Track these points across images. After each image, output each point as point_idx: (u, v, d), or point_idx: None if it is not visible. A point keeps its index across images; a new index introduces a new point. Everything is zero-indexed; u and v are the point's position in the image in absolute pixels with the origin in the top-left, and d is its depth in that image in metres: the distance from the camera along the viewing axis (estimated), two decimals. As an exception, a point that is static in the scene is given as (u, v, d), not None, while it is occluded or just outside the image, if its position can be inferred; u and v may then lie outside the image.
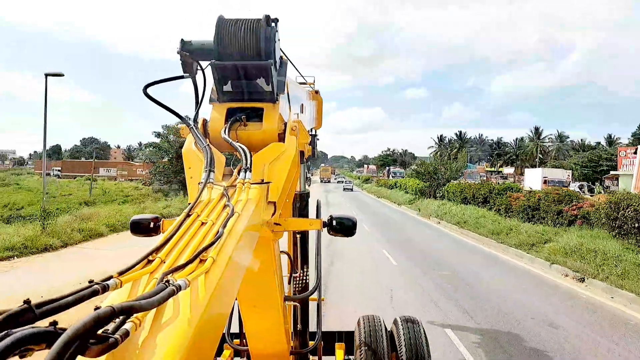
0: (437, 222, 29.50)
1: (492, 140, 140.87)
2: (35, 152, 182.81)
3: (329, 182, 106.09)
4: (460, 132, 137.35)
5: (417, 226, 28.26)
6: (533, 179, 52.35)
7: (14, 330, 0.87)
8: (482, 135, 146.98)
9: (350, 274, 13.94)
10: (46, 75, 24.05)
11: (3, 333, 0.86)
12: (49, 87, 24.49)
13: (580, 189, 46.55)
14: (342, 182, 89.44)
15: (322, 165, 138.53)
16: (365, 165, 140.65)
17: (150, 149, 48.90)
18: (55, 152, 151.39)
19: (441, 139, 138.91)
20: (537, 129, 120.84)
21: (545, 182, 47.63)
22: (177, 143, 49.27)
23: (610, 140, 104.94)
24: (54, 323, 0.94)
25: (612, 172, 62.33)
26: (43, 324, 0.94)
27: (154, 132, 47.58)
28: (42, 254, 15.84)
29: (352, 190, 73.87)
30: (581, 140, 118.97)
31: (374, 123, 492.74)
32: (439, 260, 16.92)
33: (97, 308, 1.01)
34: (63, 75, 24.40)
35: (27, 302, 0.94)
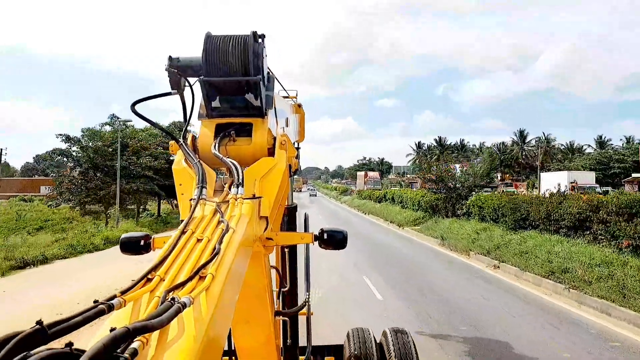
0: (491, 267, 16.31)
1: (474, 145, 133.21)
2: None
3: (300, 191, 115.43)
4: (440, 137, 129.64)
5: (472, 286, 13.58)
6: (554, 184, 42.86)
7: (31, 352, 0.89)
8: (463, 140, 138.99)
9: None
10: None
11: (22, 355, 0.88)
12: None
13: (605, 194, 37.21)
14: (313, 191, 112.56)
15: (296, 177, 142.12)
16: (361, 174, 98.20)
17: (58, 157, 36.07)
18: (3, 172, 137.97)
19: (419, 145, 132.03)
20: (522, 132, 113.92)
21: (573, 187, 39.14)
22: (99, 149, 37.09)
23: (601, 142, 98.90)
24: (70, 344, 0.95)
25: (633, 175, 55.90)
26: (53, 344, 0.95)
27: (60, 134, 34.99)
28: None
29: (315, 195, 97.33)
30: (569, 142, 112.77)
31: (347, 133, 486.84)
32: None
33: (113, 329, 1.02)
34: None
35: (39, 322, 0.95)
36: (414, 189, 48.57)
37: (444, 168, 28.45)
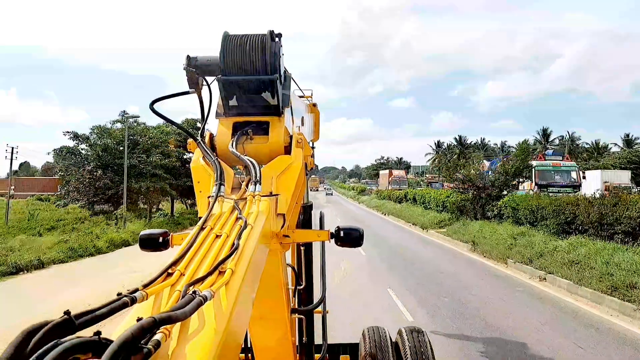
0: (536, 279, 14.06)
1: (495, 144, 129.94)
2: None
3: (317, 190, 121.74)
4: (460, 136, 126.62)
5: (521, 305, 11.45)
6: (585, 183, 40.43)
7: (62, 340, 0.91)
8: (484, 139, 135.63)
9: None
10: None
11: (53, 342, 0.90)
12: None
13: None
14: (329, 191, 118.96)
15: (313, 176, 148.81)
16: (384, 172, 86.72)
17: (67, 156, 34.77)
18: (23, 171, 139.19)
19: (439, 144, 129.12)
20: (545, 130, 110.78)
21: (607, 187, 36.49)
22: (108, 147, 35.73)
23: (629, 140, 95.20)
24: (98, 333, 0.97)
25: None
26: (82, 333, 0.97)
27: (67, 132, 33.74)
28: None
29: (332, 194, 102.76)
30: (594, 141, 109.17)
31: (364, 133, 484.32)
32: None
33: (139, 319, 1.05)
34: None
35: (67, 313, 0.98)
36: (434, 189, 46.26)
37: (473, 166, 26.26)
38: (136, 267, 16.92)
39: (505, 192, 25.64)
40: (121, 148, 35.72)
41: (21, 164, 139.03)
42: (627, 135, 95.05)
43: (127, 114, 37.37)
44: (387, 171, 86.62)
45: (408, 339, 3.97)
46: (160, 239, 2.56)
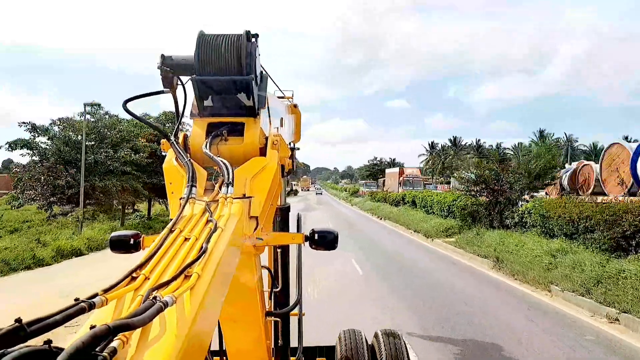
0: (604, 319, 10.07)
1: (491, 146, 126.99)
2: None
3: (308, 190, 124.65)
4: (455, 137, 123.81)
5: None
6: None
7: (9, 350, 0.88)
8: (479, 140, 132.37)
9: None
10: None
11: (0, 352, 0.87)
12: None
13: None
14: (319, 190, 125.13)
15: (304, 177, 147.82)
16: (393, 171, 70.13)
17: (23, 149, 30.50)
18: (5, 168, 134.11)
19: (433, 145, 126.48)
20: (541, 132, 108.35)
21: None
22: (70, 140, 31.63)
23: (628, 142, 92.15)
24: (49, 341, 0.94)
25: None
26: (33, 342, 0.93)
27: (23, 122, 29.54)
28: None
29: (321, 194, 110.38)
30: (592, 144, 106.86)
31: (357, 134, 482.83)
32: None
33: (93, 326, 1.02)
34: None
35: (18, 320, 0.94)
36: (433, 190, 42.47)
37: (488, 165, 22.50)
38: (74, 284, 13.46)
39: (526, 197, 21.98)
40: (86, 142, 31.77)
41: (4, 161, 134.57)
42: (626, 138, 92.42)
43: (95, 104, 32.97)
44: (396, 169, 69.28)
45: (384, 342, 3.99)
46: (132, 241, 2.51)
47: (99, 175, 30.06)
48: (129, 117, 38.14)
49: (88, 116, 34.39)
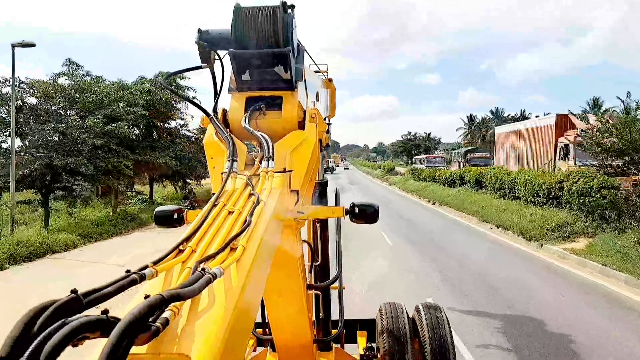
0: None
1: (538, 117, 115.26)
2: None
3: (337, 166, 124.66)
4: (497, 108, 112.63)
5: None
6: None
7: (69, 319, 0.90)
8: (524, 111, 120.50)
9: None
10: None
11: (60, 322, 0.89)
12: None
13: None
14: (347, 165, 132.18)
15: (334, 153, 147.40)
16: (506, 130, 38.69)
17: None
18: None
19: (472, 118, 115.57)
20: (595, 101, 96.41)
21: None
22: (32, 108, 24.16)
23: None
24: (106, 311, 0.96)
25: None
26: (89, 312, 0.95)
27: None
28: None
29: (349, 168, 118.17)
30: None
31: (388, 110, 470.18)
32: None
33: (147, 296, 1.02)
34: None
35: (74, 291, 0.97)
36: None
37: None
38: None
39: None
40: (54, 108, 24.30)
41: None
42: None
43: (28, 44, 23.35)
44: (548, 121, 29.73)
45: (425, 315, 3.89)
46: (175, 215, 2.58)
47: (63, 153, 22.41)
48: (112, 78, 30.53)
49: (64, 78, 26.88)
